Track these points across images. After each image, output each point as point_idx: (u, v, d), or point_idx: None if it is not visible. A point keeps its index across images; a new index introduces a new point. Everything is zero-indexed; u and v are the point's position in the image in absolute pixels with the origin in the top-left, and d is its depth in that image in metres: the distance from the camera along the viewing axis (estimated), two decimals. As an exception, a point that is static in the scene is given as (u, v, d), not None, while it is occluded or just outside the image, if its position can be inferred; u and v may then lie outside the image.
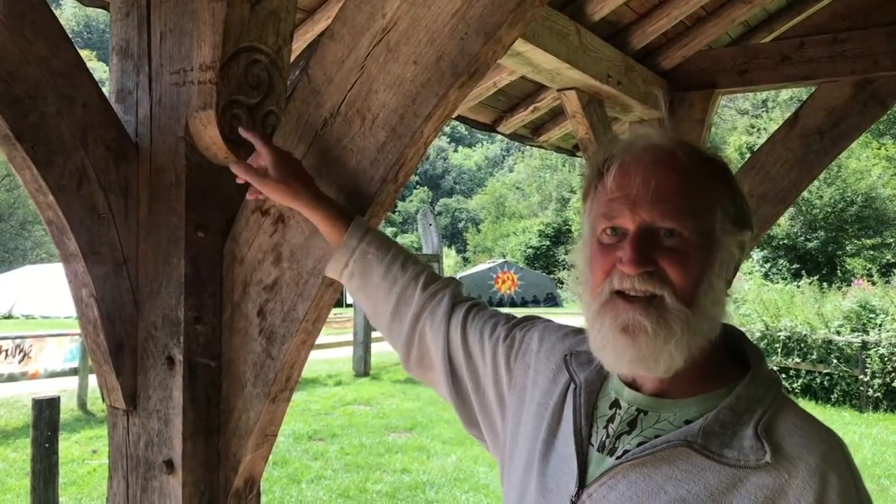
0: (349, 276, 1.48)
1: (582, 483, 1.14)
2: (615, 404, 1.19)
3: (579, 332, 1.37)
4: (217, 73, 1.52)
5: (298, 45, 2.78)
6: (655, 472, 1.08)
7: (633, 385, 1.18)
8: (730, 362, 1.18)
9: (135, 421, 1.61)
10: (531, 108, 4.18)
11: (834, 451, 1.07)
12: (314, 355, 15.87)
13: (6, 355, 9.91)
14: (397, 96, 1.45)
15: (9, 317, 24.59)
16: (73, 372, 10.77)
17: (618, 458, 1.13)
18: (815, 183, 26.17)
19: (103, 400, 1.64)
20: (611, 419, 1.18)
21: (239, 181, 1.52)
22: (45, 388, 10.26)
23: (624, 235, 1.12)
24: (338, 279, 1.51)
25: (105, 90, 1.59)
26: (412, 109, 1.44)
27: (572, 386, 1.25)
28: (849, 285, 18.65)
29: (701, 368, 1.14)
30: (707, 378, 1.15)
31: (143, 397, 1.61)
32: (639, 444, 1.12)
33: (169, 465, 1.56)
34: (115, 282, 1.57)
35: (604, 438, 1.16)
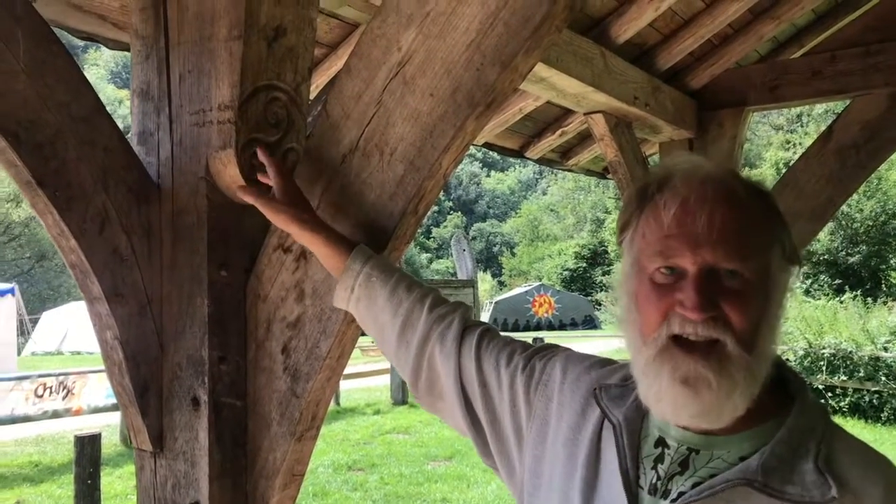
0: (356, 302, 1.45)
1: None
2: (661, 443, 1.13)
3: (606, 363, 1.31)
4: (236, 112, 1.52)
5: (322, 80, 2.80)
6: None
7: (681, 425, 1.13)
8: (772, 392, 1.12)
9: (161, 463, 1.61)
10: (559, 132, 4.16)
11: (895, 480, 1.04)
12: (352, 384, 15.93)
13: (50, 392, 10.05)
14: (415, 129, 1.44)
15: (58, 353, 25.02)
16: (116, 407, 10.84)
17: (673, 500, 1.07)
18: (855, 196, 25.70)
19: (130, 443, 1.64)
20: (658, 459, 1.12)
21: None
22: (89, 424, 10.39)
23: (681, 275, 1.07)
24: (345, 307, 1.48)
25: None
26: (430, 142, 1.42)
27: (607, 423, 1.19)
28: (894, 300, 18.21)
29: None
30: (755, 411, 1.08)
31: (170, 439, 1.60)
32: (694, 485, 1.07)
33: (196, 507, 1.55)
34: (139, 323, 1.57)
35: (654, 480, 1.11)
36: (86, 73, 1.54)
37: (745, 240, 1.06)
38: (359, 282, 1.43)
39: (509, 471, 1.34)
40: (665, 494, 1.09)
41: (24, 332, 26.02)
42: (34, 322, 28.16)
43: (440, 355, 1.39)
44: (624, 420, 1.16)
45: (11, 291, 18.59)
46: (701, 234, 1.05)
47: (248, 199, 1.50)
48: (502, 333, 1.44)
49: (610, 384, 1.23)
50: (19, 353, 21.23)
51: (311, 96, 1.76)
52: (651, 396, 1.09)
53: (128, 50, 2.19)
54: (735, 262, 1.05)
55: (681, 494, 1.07)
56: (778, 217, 1.13)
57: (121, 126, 1.56)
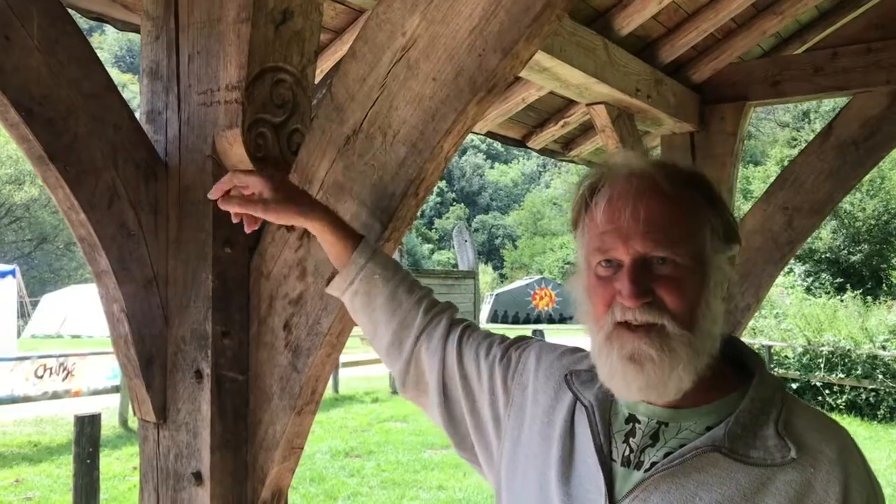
0: (352, 295, 1.46)
1: (611, 499, 1.15)
2: (631, 419, 1.21)
3: (576, 350, 1.39)
4: (243, 93, 1.56)
5: (327, 64, 2.83)
6: (687, 480, 1.11)
7: (644, 400, 1.20)
8: (730, 367, 1.22)
9: (164, 434, 1.65)
10: (561, 122, 4.19)
11: (848, 442, 1.14)
12: (351, 372, 15.99)
13: (50, 373, 10.12)
14: (417, 112, 1.47)
15: (58, 336, 25.11)
16: (115, 389, 10.94)
17: (646, 470, 1.14)
18: (858, 195, 25.68)
19: (134, 413, 1.68)
20: (630, 433, 1.20)
21: (234, 220, 1.50)
22: (88, 406, 10.46)
23: (619, 266, 1.15)
24: (339, 295, 1.48)
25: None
26: (432, 125, 1.46)
27: (579, 405, 1.27)
28: (894, 299, 18.22)
29: (709, 377, 1.17)
30: (715, 386, 1.18)
31: (173, 410, 1.64)
32: (665, 455, 1.14)
33: (198, 476, 1.59)
34: (144, 297, 1.61)
35: (627, 453, 1.18)
36: (93, 55, 1.57)
37: (672, 228, 1.14)
38: (361, 277, 1.44)
39: (488, 458, 1.40)
40: (638, 465, 1.16)
41: (24, 314, 26.10)
42: (34, 305, 28.26)
43: (426, 353, 1.46)
44: (595, 400, 1.24)
45: (12, 273, 18.65)
46: (629, 228, 1.13)
47: (239, 209, 1.45)
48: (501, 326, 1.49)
49: (580, 370, 1.31)
50: (19, 336, 21.31)
51: (317, 80, 1.80)
52: (605, 375, 1.17)
53: (136, 31, 2.22)
54: (664, 249, 1.13)
55: (654, 464, 1.14)
56: (708, 201, 1.19)
57: (126, 107, 1.60)
